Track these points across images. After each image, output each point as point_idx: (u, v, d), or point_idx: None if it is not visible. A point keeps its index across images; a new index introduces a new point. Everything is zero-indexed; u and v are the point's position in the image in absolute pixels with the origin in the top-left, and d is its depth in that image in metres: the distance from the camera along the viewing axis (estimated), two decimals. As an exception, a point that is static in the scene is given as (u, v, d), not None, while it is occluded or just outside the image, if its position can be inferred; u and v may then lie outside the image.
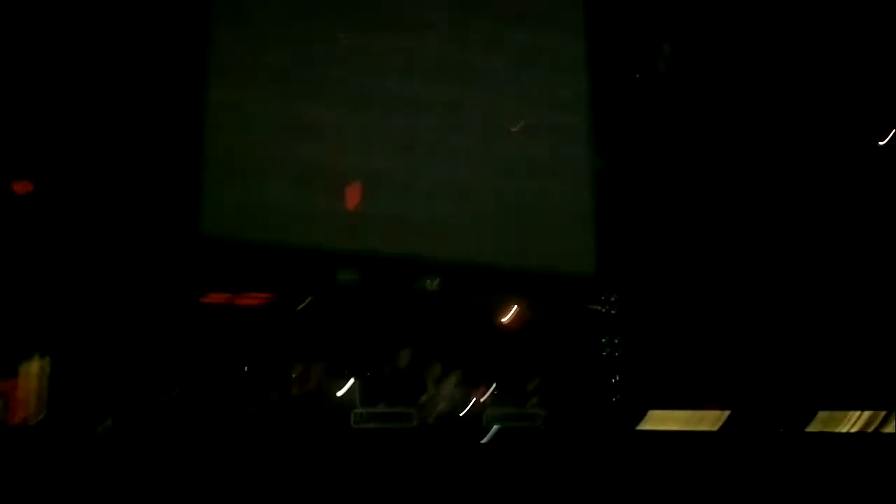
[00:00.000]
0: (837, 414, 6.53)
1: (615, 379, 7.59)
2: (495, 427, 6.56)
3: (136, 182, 6.57)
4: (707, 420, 6.90)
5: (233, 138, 6.91)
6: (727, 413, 6.82)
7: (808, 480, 5.33)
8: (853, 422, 6.46)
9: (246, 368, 6.60)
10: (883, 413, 6.31)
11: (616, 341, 7.69)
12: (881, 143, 7.61)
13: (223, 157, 6.88)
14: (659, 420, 7.03)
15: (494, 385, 7.05)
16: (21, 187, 6.45)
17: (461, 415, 6.78)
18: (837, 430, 6.51)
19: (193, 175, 6.74)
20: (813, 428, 6.54)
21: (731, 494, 5.48)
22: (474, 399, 6.96)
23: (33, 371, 6.26)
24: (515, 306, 7.52)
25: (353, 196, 7.37)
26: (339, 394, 6.72)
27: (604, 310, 7.65)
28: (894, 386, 6.52)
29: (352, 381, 6.76)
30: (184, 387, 6.38)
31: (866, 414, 6.41)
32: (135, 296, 6.49)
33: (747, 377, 7.23)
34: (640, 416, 7.12)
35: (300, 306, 7.04)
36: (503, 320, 7.50)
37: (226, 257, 6.83)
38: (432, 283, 7.35)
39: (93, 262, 6.43)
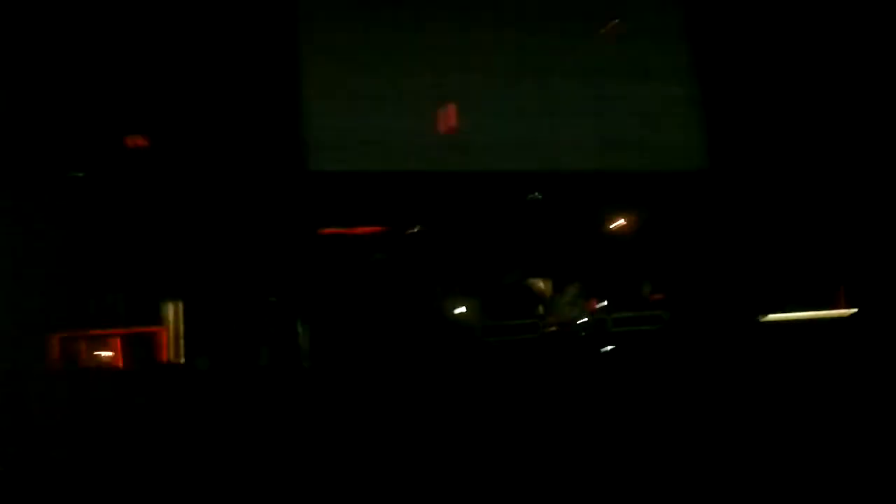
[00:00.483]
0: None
1: (734, 277, 7.40)
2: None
3: (244, 127, 6.75)
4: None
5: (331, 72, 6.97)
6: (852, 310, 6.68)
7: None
8: None
9: (369, 296, 6.77)
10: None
11: (732, 238, 7.46)
12: None
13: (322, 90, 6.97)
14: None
15: (613, 292, 7.01)
16: (137, 141, 6.74)
17: (582, 323, 6.79)
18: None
19: (295, 115, 6.85)
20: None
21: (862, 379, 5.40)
22: (594, 308, 6.94)
23: (171, 315, 6.64)
24: (627, 210, 7.40)
25: (449, 118, 7.34)
26: (459, 312, 6.84)
27: (718, 206, 7.41)
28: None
29: (470, 299, 6.85)
30: (310, 319, 6.62)
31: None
32: (253, 236, 6.72)
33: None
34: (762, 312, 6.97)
35: (412, 231, 7.15)
36: (615, 226, 7.40)
37: (334, 190, 6.99)
38: (538, 196, 7.31)
39: (213, 208, 6.69)
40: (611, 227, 7.38)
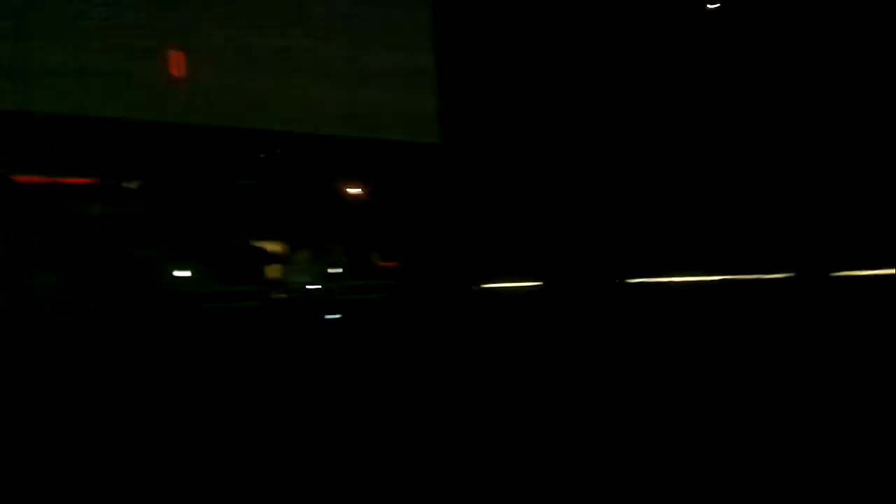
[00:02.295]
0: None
1: (458, 250, 7.72)
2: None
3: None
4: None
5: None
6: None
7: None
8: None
9: (77, 254, 6.07)
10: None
11: (461, 212, 7.77)
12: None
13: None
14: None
15: (345, 259, 6.97)
16: None
17: (312, 289, 6.67)
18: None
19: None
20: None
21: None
22: (327, 273, 6.86)
23: None
24: (364, 178, 7.37)
25: (178, 63, 6.75)
26: (181, 276, 6.38)
27: (450, 179, 7.66)
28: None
29: (194, 263, 6.42)
30: None
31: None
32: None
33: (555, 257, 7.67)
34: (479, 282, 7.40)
35: (131, 185, 6.51)
36: (352, 193, 7.36)
37: (35, 134, 6.15)
38: (275, 155, 7.03)
39: None
40: (346, 194, 7.31)
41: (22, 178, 6.35)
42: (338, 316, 6.43)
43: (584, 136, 8.04)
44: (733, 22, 8.15)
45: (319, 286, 6.70)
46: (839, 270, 7.34)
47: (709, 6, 8.36)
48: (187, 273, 6.29)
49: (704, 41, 8.02)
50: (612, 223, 7.79)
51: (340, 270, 6.84)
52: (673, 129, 7.99)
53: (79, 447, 3.09)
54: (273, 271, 6.80)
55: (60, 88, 6.24)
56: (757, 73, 7.72)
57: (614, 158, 7.97)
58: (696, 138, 7.97)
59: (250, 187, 6.88)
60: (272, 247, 6.97)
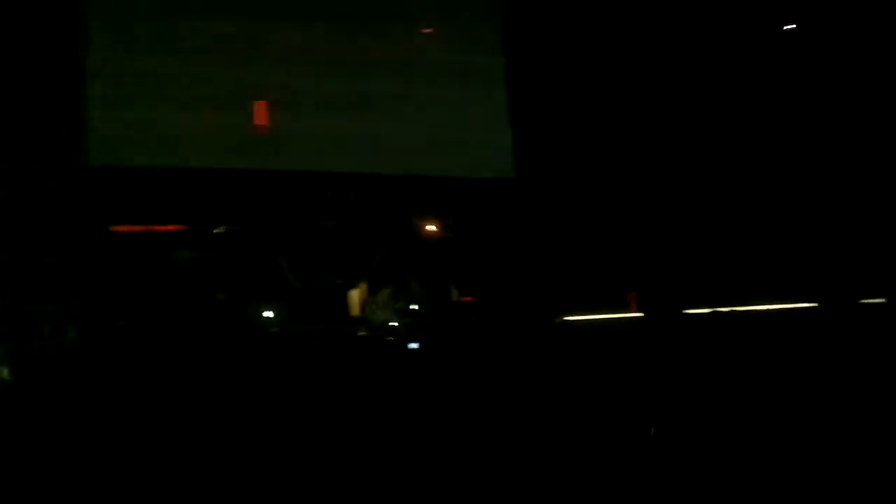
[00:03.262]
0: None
1: (537, 282, 7.70)
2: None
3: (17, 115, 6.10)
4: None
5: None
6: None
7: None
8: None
9: (167, 298, 6.32)
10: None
11: (539, 245, 7.76)
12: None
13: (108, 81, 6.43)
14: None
15: (424, 295, 7.02)
16: None
17: (395, 326, 6.74)
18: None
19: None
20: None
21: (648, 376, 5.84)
22: (407, 310, 6.92)
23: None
24: (439, 216, 7.46)
25: (260, 113, 7.03)
26: (266, 316, 6.55)
27: (526, 213, 7.68)
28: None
29: (279, 304, 6.59)
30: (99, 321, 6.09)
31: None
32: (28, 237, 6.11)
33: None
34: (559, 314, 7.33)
35: (215, 231, 6.76)
36: (427, 230, 7.44)
37: (129, 187, 6.49)
38: (351, 197, 7.19)
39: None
40: (421, 231, 7.40)
41: (120, 228, 6.68)
42: (419, 350, 6.46)
43: (658, 165, 7.99)
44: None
45: (400, 323, 6.76)
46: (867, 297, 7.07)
47: (785, 28, 8.27)
48: (272, 314, 6.46)
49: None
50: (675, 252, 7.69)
51: (419, 307, 6.89)
52: (750, 149, 7.89)
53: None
54: (355, 310, 6.90)
55: (147, 143, 6.59)
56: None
57: (687, 186, 7.89)
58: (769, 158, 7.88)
59: (332, 228, 7.04)
60: (357, 286, 7.08)
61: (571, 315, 7.20)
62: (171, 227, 6.75)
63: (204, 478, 3.68)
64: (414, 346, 6.41)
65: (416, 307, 6.86)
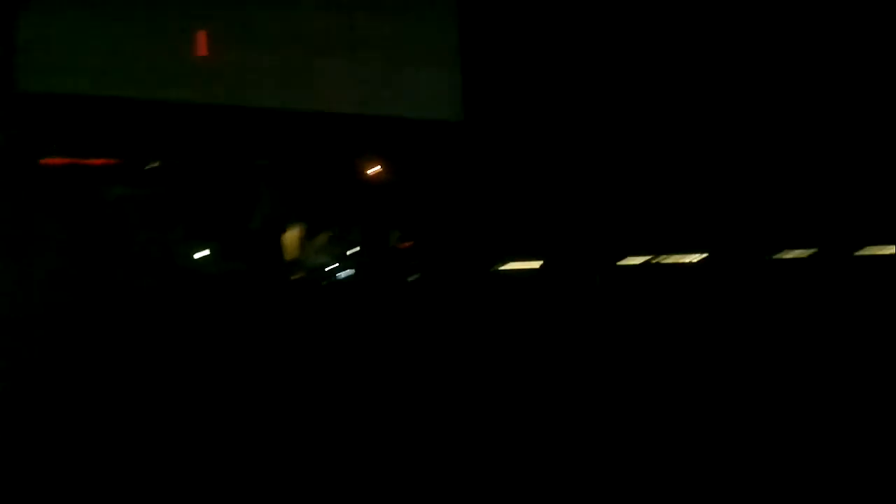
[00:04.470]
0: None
1: (478, 229, 7.63)
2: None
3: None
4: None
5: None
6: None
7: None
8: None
9: (96, 236, 6.17)
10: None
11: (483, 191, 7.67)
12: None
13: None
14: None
15: (360, 240, 6.94)
16: None
17: (330, 270, 6.68)
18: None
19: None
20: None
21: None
22: (345, 254, 6.85)
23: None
24: (382, 157, 7.30)
25: (201, 44, 6.75)
26: (199, 258, 6.44)
27: (471, 158, 7.55)
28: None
29: (212, 244, 6.47)
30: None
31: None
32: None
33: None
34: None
35: (148, 167, 6.57)
36: (367, 172, 7.30)
37: (55, 115, 6.24)
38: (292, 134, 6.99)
39: None
40: (363, 173, 7.25)
41: (48, 161, 6.46)
42: (357, 296, 6.44)
43: (608, 113, 7.87)
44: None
45: (338, 267, 6.70)
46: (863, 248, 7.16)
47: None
48: (205, 254, 6.35)
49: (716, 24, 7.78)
50: (623, 203, 7.66)
51: (359, 251, 6.82)
52: (697, 101, 7.80)
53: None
54: (291, 253, 6.81)
55: (83, 67, 6.32)
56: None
57: (633, 137, 7.81)
58: (718, 113, 7.80)
59: (266, 167, 6.87)
60: (294, 228, 6.97)
61: (508, 264, 7.20)
62: (102, 162, 6.55)
63: (135, 416, 3.67)
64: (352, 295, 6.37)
65: (354, 251, 6.80)
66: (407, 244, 7.11)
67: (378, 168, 7.22)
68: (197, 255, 6.38)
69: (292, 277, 6.52)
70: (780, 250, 7.47)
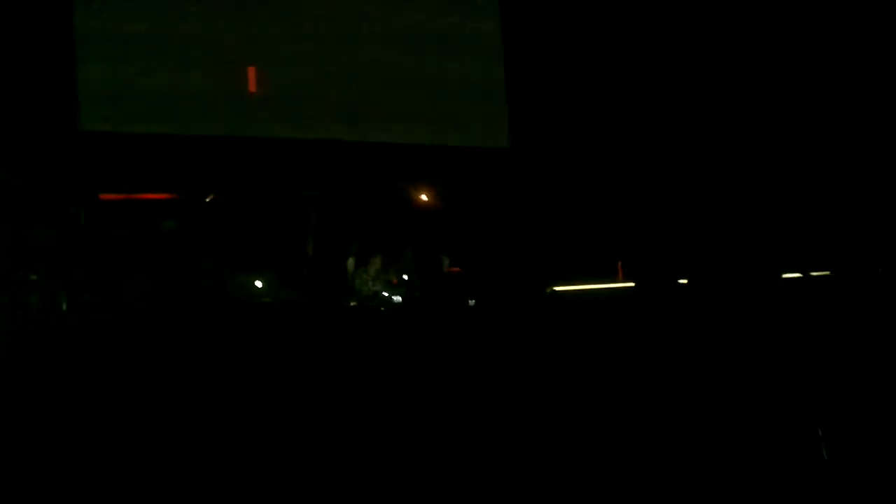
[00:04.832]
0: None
1: (532, 252, 7.65)
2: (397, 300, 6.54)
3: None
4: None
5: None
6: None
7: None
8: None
9: (154, 269, 6.26)
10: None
11: (533, 215, 7.70)
12: None
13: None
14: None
15: (415, 265, 6.96)
16: None
17: (383, 296, 6.68)
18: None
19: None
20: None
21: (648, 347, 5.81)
22: (398, 280, 6.86)
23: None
24: (432, 184, 7.38)
25: (251, 78, 6.92)
26: (256, 288, 6.49)
27: (518, 184, 7.60)
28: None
29: (268, 275, 6.53)
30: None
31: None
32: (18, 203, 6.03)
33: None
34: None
35: (205, 200, 6.69)
36: (420, 199, 7.37)
37: (114, 152, 6.41)
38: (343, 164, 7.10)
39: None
40: (413, 201, 7.33)
41: (105, 196, 6.60)
42: (412, 321, 6.41)
43: (653, 135, 7.92)
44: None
45: (390, 293, 6.70)
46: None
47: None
48: (258, 284, 6.40)
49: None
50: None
51: (410, 277, 6.83)
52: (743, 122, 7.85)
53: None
54: (347, 281, 6.84)
55: (141, 106, 6.50)
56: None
57: (678, 157, 7.84)
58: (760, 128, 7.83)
59: (319, 198, 6.97)
60: (345, 257, 7.02)
61: (562, 285, 7.15)
62: (160, 196, 6.68)
63: (191, 449, 3.65)
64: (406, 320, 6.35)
65: (406, 277, 6.80)
66: (456, 269, 7.12)
67: (429, 195, 7.30)
68: (253, 284, 6.44)
69: (349, 304, 6.53)
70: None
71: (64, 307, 5.97)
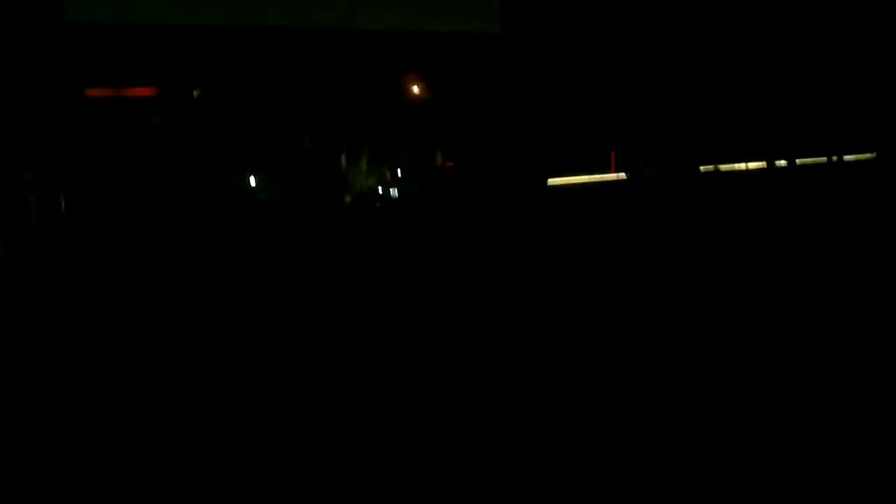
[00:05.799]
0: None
1: (524, 144, 7.60)
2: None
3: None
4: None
5: None
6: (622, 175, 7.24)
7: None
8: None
9: (141, 166, 6.21)
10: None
11: (525, 104, 7.59)
12: None
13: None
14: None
15: (406, 158, 6.93)
16: None
17: (377, 192, 6.71)
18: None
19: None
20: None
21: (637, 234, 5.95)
22: (391, 176, 6.86)
23: None
24: (422, 74, 7.20)
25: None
26: (247, 185, 6.49)
27: (512, 71, 7.43)
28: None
29: (259, 170, 6.50)
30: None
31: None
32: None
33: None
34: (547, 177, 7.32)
35: (193, 95, 6.53)
36: (411, 91, 7.22)
37: (101, 46, 6.19)
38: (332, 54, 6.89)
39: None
40: (404, 92, 7.17)
41: (91, 92, 6.44)
42: (407, 216, 6.49)
43: (649, 20, 7.70)
44: None
45: (385, 188, 6.73)
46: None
47: None
48: (252, 180, 6.39)
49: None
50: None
51: (404, 172, 6.83)
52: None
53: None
54: (338, 175, 6.83)
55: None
56: None
57: (673, 46, 7.68)
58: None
59: (307, 90, 6.82)
60: (337, 151, 6.97)
61: (557, 177, 7.19)
62: (147, 91, 6.51)
63: (188, 350, 3.80)
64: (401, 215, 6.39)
65: (400, 173, 6.81)
66: (450, 163, 7.11)
67: (420, 86, 7.14)
68: (246, 182, 6.43)
69: (344, 201, 6.57)
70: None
71: (63, 207, 5.98)
